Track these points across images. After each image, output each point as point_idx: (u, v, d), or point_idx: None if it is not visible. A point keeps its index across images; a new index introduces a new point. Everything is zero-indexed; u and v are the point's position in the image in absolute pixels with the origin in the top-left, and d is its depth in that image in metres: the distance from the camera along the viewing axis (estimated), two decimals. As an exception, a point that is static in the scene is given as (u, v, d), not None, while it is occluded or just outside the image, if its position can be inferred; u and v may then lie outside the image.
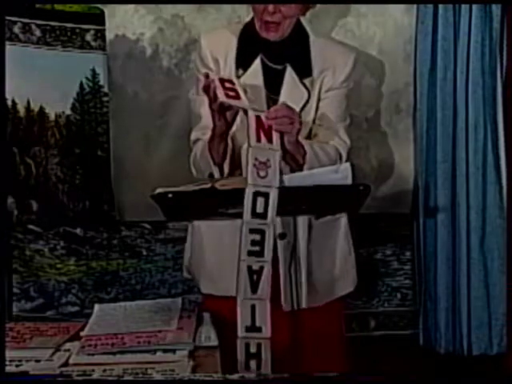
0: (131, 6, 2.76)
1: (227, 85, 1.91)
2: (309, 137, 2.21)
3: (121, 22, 2.76)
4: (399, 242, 3.00)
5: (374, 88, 2.87)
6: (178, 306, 2.13)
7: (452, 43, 2.81)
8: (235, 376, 1.69)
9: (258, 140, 1.86)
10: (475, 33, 2.79)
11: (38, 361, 1.78)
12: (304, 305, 2.21)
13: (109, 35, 2.74)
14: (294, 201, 1.85)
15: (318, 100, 2.23)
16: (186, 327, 1.96)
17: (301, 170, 2.05)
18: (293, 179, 1.89)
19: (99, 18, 2.73)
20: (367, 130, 2.88)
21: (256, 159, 1.84)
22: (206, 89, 1.95)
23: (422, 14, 2.81)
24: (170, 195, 1.83)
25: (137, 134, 2.82)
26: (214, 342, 1.90)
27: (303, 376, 1.79)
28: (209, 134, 2.11)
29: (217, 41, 2.25)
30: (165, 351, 1.81)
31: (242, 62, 2.19)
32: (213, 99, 1.94)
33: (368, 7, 2.82)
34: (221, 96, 1.89)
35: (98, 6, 2.72)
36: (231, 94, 1.90)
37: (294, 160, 2.05)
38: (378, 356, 2.43)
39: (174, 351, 1.81)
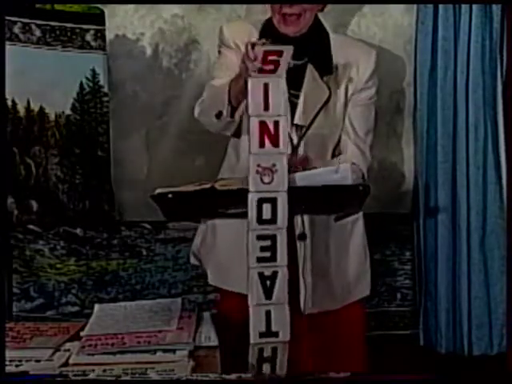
0: (131, 6, 2.76)
1: (271, 57, 1.78)
2: (336, 146, 2.24)
3: (121, 22, 2.76)
4: (399, 241, 3.00)
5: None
6: (178, 306, 2.13)
7: (452, 43, 2.81)
8: (234, 376, 1.69)
9: (262, 145, 1.80)
10: (475, 33, 2.79)
11: (38, 361, 1.78)
12: (323, 308, 2.22)
13: (109, 35, 2.74)
14: (293, 201, 1.84)
15: (346, 101, 2.23)
16: (186, 327, 1.96)
17: None
18: (293, 180, 1.89)
19: (99, 18, 2.73)
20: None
21: (259, 165, 1.79)
22: (245, 58, 1.86)
23: (422, 14, 2.81)
24: (170, 195, 1.83)
25: (137, 133, 2.82)
26: (214, 342, 1.90)
27: (303, 376, 1.79)
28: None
29: (239, 30, 2.25)
30: (165, 351, 1.81)
31: None
32: (245, 69, 1.86)
33: (368, 7, 2.82)
34: (252, 73, 1.79)
35: (98, 5, 2.72)
36: (268, 67, 1.78)
37: None
38: (377, 356, 2.43)
39: (174, 351, 1.81)
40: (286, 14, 2.13)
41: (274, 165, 1.80)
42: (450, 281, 2.90)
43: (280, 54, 1.79)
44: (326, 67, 2.21)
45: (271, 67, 1.78)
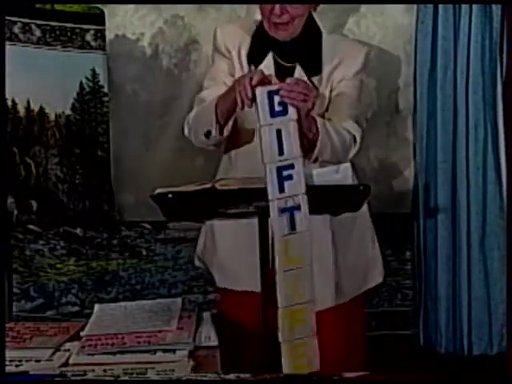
0: (131, 6, 2.76)
1: (276, 98, 1.82)
2: None
3: (121, 22, 2.77)
4: (399, 241, 3.00)
5: (373, 88, 2.87)
6: (178, 306, 2.13)
7: (452, 43, 2.81)
8: (233, 376, 1.69)
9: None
10: (475, 33, 2.79)
11: (38, 361, 1.78)
12: (332, 303, 2.21)
13: (109, 35, 2.74)
14: (294, 201, 1.84)
15: (331, 91, 2.21)
16: (186, 327, 1.96)
17: (313, 147, 2.02)
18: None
19: (99, 18, 2.73)
20: (367, 130, 2.87)
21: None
22: (240, 90, 1.89)
23: (422, 14, 2.81)
24: (170, 195, 1.83)
25: (137, 133, 2.82)
26: (214, 342, 1.90)
27: (302, 376, 1.78)
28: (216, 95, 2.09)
29: (230, 34, 2.24)
30: (165, 351, 1.81)
31: (254, 59, 2.19)
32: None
33: (368, 7, 2.82)
34: (263, 120, 1.80)
35: (98, 5, 2.72)
36: (278, 109, 1.81)
37: (305, 137, 2.01)
38: (377, 356, 2.43)
39: (174, 351, 1.80)
40: (275, 22, 2.13)
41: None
42: (449, 281, 2.90)
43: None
44: (315, 68, 2.21)
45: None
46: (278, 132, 1.80)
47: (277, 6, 2.09)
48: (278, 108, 1.81)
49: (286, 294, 1.80)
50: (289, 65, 2.19)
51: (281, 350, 1.82)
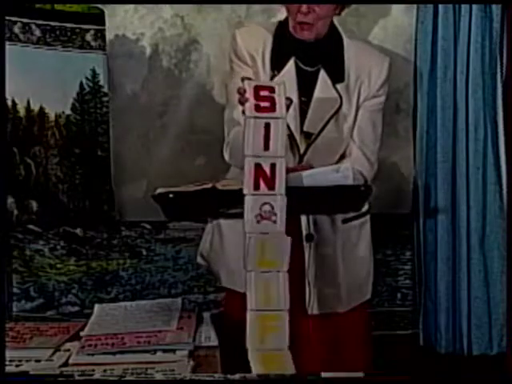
0: (131, 6, 2.76)
1: (263, 93, 1.80)
2: (344, 153, 2.22)
3: (121, 22, 2.76)
4: (399, 242, 3.00)
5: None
6: (178, 306, 2.13)
7: (452, 43, 2.81)
8: (235, 376, 1.69)
9: (257, 188, 1.79)
10: (475, 33, 2.79)
11: (38, 361, 1.78)
12: (328, 309, 2.22)
13: (109, 35, 2.74)
14: (294, 201, 1.84)
15: (357, 109, 2.21)
16: (186, 327, 1.96)
17: None
18: (294, 179, 1.89)
19: (99, 18, 2.73)
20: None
21: (257, 208, 1.79)
22: (240, 96, 1.87)
23: (422, 14, 2.81)
24: (171, 195, 1.83)
25: (137, 134, 2.82)
26: (214, 342, 1.90)
27: (303, 376, 1.78)
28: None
29: (252, 39, 2.21)
30: (165, 351, 1.81)
31: (276, 64, 2.17)
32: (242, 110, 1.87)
33: (368, 7, 2.82)
34: (249, 111, 1.79)
35: (98, 5, 2.72)
36: (264, 104, 1.79)
37: None
38: (378, 356, 2.43)
39: (174, 351, 1.81)
40: (301, 21, 2.11)
41: (272, 208, 1.80)
42: (449, 281, 2.90)
43: (271, 89, 1.80)
44: (339, 74, 2.19)
45: (267, 104, 1.79)
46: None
47: (304, 5, 2.07)
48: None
49: (256, 296, 1.79)
50: (312, 69, 2.18)
51: (248, 356, 1.77)
